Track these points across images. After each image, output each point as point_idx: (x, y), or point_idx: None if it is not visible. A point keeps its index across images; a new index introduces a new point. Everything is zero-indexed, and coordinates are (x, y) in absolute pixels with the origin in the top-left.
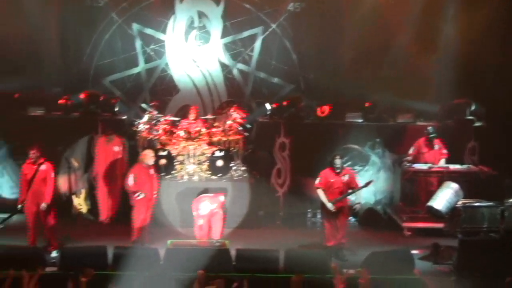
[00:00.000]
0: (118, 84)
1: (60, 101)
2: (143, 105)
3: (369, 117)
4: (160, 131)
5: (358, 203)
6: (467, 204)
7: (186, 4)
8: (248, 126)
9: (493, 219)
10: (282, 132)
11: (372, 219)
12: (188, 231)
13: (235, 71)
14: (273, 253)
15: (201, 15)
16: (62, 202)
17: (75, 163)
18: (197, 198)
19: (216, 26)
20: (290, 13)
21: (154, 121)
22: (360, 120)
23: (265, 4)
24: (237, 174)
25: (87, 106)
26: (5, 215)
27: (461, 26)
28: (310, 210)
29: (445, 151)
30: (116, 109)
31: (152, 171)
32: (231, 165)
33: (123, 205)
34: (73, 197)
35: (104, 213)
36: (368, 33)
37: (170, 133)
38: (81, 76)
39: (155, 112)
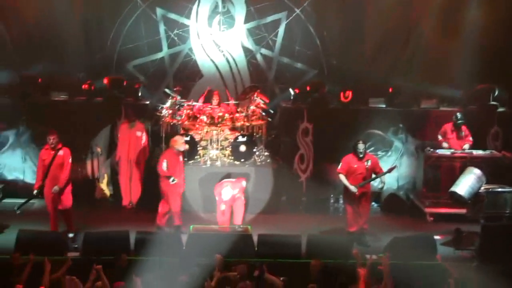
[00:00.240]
0: (141, 69)
1: (83, 86)
2: (167, 90)
3: (392, 102)
4: (183, 116)
5: (383, 183)
6: (490, 189)
7: None
8: (271, 111)
9: None
10: (305, 118)
11: (394, 205)
12: (211, 216)
13: (258, 56)
14: (295, 239)
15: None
16: (84, 187)
17: (97, 149)
18: (219, 183)
19: (240, 11)
20: None
21: (177, 106)
22: (383, 106)
23: None
24: (260, 160)
25: (110, 91)
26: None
27: (484, 10)
28: (332, 195)
29: (470, 138)
30: (140, 94)
31: (181, 157)
32: (254, 150)
33: (145, 190)
34: (96, 182)
35: (127, 198)
36: (391, 17)
37: (193, 118)
38: (104, 61)
39: (178, 97)
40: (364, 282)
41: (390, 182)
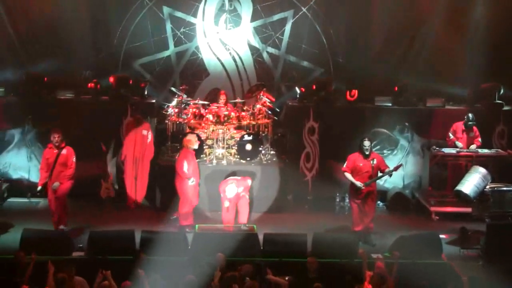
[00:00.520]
0: (148, 67)
1: (89, 85)
2: (173, 89)
3: (398, 101)
4: (189, 115)
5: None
6: (495, 188)
7: None
8: (277, 110)
9: None
10: (311, 116)
11: (400, 204)
12: (216, 214)
13: (265, 55)
14: (301, 238)
15: None
16: (90, 187)
17: (103, 147)
18: (224, 181)
19: (246, 10)
20: None
21: (183, 105)
22: (389, 104)
23: None
24: (265, 158)
25: (116, 89)
26: (33, 200)
27: (490, 8)
28: (338, 194)
29: (479, 139)
30: (146, 92)
31: (194, 156)
32: (259, 149)
33: (151, 189)
34: (101, 181)
35: (132, 197)
36: (397, 16)
37: (199, 117)
38: (111, 59)
39: (184, 96)
40: (370, 282)
41: (395, 181)
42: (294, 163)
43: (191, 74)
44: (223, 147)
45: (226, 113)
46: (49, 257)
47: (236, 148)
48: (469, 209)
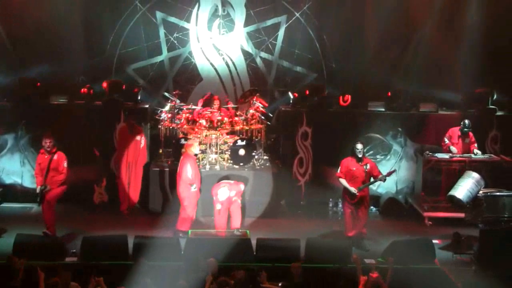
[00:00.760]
0: (141, 73)
1: (82, 90)
2: (166, 94)
3: (391, 106)
4: (182, 120)
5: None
6: (488, 193)
7: None
8: (270, 115)
9: None
10: (304, 121)
11: (393, 209)
12: (209, 220)
13: (258, 60)
14: (294, 243)
15: (225, 3)
16: (82, 192)
17: (96, 152)
18: (217, 184)
19: (239, 15)
20: (314, 2)
21: (176, 110)
22: (383, 109)
23: None
24: (259, 163)
25: (109, 95)
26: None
27: (484, 14)
28: (331, 199)
29: (476, 145)
30: (139, 98)
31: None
32: (253, 154)
33: (144, 195)
34: (94, 186)
35: (125, 202)
36: (391, 22)
37: (192, 122)
38: (104, 65)
39: (177, 101)
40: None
41: (389, 186)
42: (287, 168)
43: (184, 79)
44: (216, 152)
45: (219, 118)
46: (42, 262)
47: (229, 153)
48: (462, 214)
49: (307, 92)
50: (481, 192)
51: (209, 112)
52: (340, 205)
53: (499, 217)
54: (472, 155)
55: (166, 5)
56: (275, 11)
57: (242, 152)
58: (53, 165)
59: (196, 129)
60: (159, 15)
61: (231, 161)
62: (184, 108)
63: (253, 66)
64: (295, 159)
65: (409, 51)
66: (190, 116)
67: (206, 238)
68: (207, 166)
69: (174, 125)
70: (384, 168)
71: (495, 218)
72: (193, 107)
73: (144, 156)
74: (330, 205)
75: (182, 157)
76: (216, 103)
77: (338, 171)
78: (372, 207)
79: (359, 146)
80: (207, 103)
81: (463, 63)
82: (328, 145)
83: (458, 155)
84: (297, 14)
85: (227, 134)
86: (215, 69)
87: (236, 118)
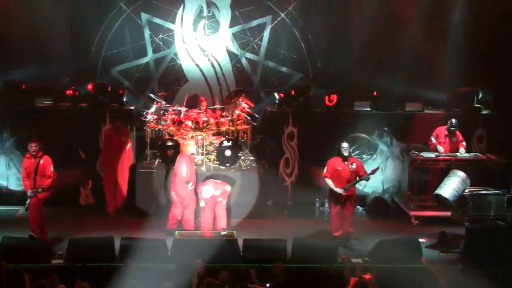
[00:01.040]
0: (126, 74)
1: (67, 92)
2: (151, 95)
3: (377, 105)
4: (168, 121)
5: (377, 168)
6: (474, 192)
7: None
8: (256, 115)
9: (500, 207)
10: (290, 122)
11: (379, 208)
12: (196, 221)
13: (243, 60)
14: (281, 243)
15: (210, 4)
16: (68, 194)
17: (81, 154)
18: (202, 182)
19: (225, 15)
20: (299, 2)
21: (162, 112)
22: (368, 109)
23: None
24: (245, 164)
25: (95, 96)
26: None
27: (468, 14)
28: (318, 199)
29: (464, 142)
30: (124, 99)
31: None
32: (239, 155)
33: (130, 196)
34: (80, 188)
35: (111, 204)
36: (376, 21)
37: (178, 123)
38: (89, 66)
39: (162, 102)
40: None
41: (375, 185)
42: (274, 169)
43: (169, 80)
44: (202, 153)
45: (205, 119)
46: (27, 264)
47: (215, 154)
48: (448, 213)
49: (293, 92)
50: (467, 190)
51: (195, 113)
52: (327, 205)
53: (485, 215)
54: (458, 154)
55: (151, 6)
56: (260, 12)
57: (228, 153)
58: (40, 169)
59: (182, 130)
60: (144, 16)
61: (217, 162)
62: (170, 110)
63: (238, 66)
64: (281, 159)
65: (394, 51)
66: (175, 117)
67: (193, 239)
68: (194, 167)
69: (160, 126)
70: (370, 167)
71: (481, 217)
72: (179, 108)
73: (130, 158)
74: (317, 205)
75: (178, 156)
76: (203, 105)
77: (324, 171)
78: (358, 206)
79: (345, 145)
80: (193, 105)
81: (448, 62)
82: (314, 145)
83: (444, 154)
84: (283, 15)
85: (213, 135)
86: (201, 70)
87: (222, 119)
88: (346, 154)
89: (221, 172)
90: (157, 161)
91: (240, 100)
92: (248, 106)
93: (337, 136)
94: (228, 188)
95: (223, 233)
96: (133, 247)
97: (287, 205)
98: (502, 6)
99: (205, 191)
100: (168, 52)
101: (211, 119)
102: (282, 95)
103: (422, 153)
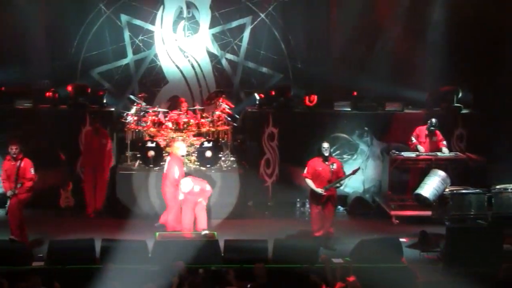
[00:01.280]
0: (106, 76)
1: (47, 94)
2: (131, 97)
3: (357, 105)
4: (148, 123)
5: (358, 168)
6: (455, 191)
7: None
8: (236, 116)
9: (480, 206)
10: (270, 122)
11: (360, 208)
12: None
13: (223, 61)
14: (262, 244)
15: (189, 5)
16: (49, 196)
17: (62, 156)
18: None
19: (204, 16)
20: (279, 3)
21: (142, 113)
22: (348, 109)
23: None
24: (225, 165)
25: (75, 98)
26: None
27: (448, 14)
28: (298, 200)
29: (444, 142)
30: (104, 101)
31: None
32: (219, 155)
33: (110, 198)
34: (60, 190)
35: (91, 206)
36: (356, 22)
37: (158, 124)
38: (69, 68)
39: (143, 104)
40: None
41: (356, 185)
42: (254, 169)
43: (149, 82)
44: (182, 155)
45: (186, 120)
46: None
47: (195, 155)
48: (428, 213)
49: (273, 93)
50: (447, 190)
51: (176, 114)
52: (307, 205)
53: (465, 214)
54: (439, 153)
55: (131, 7)
56: (240, 13)
57: (208, 153)
58: (21, 172)
59: (163, 132)
60: (123, 18)
61: (198, 163)
62: (150, 111)
63: (218, 67)
64: (262, 160)
65: (374, 51)
66: (156, 118)
67: (174, 241)
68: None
69: (140, 127)
70: (351, 167)
71: (462, 216)
72: (159, 109)
73: (110, 159)
74: (298, 205)
75: (169, 159)
76: (184, 106)
77: (305, 171)
78: (339, 206)
79: (325, 145)
80: (173, 106)
81: (428, 62)
82: (295, 146)
83: (424, 154)
84: (262, 15)
85: (194, 136)
86: (181, 71)
87: (203, 120)
88: (326, 154)
89: (202, 173)
90: (137, 162)
91: (221, 101)
92: (228, 107)
93: (317, 136)
94: (207, 187)
95: (204, 234)
96: (113, 249)
97: (268, 205)
98: (481, 5)
99: (184, 185)
100: (148, 54)
101: (192, 120)
102: (262, 95)
103: (402, 153)
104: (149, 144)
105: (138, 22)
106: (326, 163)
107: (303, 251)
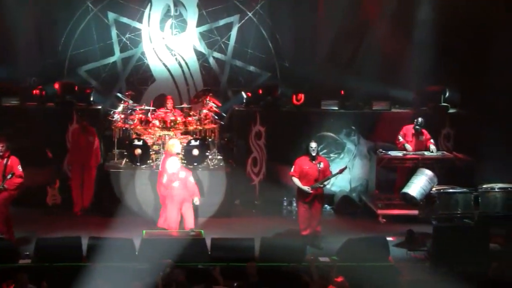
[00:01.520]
0: (93, 74)
1: (34, 91)
2: (118, 95)
3: (344, 104)
4: (135, 121)
5: (345, 167)
6: (441, 190)
7: None
8: (224, 115)
9: (467, 205)
10: (257, 121)
11: (347, 207)
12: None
13: (211, 60)
14: (249, 242)
15: (177, 3)
16: (36, 194)
17: (49, 154)
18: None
19: (192, 15)
20: (266, 1)
21: (129, 111)
22: (336, 108)
23: None
24: (212, 163)
25: (61, 96)
26: None
27: (435, 13)
28: (285, 198)
29: (432, 140)
30: (91, 99)
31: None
32: (206, 154)
33: (97, 196)
34: (47, 188)
35: (78, 203)
36: (344, 20)
37: (145, 122)
38: (56, 66)
39: (130, 102)
40: None
41: (342, 184)
42: (241, 168)
43: (137, 80)
44: None
45: (173, 118)
46: None
47: (182, 153)
48: (415, 212)
49: (260, 92)
50: (434, 189)
51: (163, 113)
52: (295, 204)
53: (452, 213)
54: (426, 153)
55: (118, 5)
56: (227, 11)
57: (195, 152)
58: (8, 170)
59: (150, 130)
60: (111, 15)
61: (185, 161)
62: (137, 109)
63: (206, 66)
64: (249, 158)
65: (361, 50)
66: (143, 116)
67: (161, 239)
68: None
69: (127, 125)
70: (338, 166)
71: (448, 215)
72: (146, 107)
73: (97, 157)
74: (285, 204)
75: (164, 156)
76: (170, 103)
77: (292, 170)
78: (326, 205)
79: (313, 145)
80: (160, 104)
81: (415, 62)
82: (282, 144)
83: (411, 153)
84: (250, 14)
85: (181, 134)
86: (168, 69)
87: (190, 118)
88: (314, 154)
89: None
90: (124, 160)
91: (208, 99)
92: (215, 105)
93: (304, 135)
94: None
95: (191, 233)
96: (100, 247)
97: (255, 204)
98: (469, 5)
99: (170, 166)
100: (135, 52)
101: (179, 118)
102: (249, 94)
103: (389, 152)
104: (136, 142)
105: (125, 20)
106: (314, 162)
107: (290, 250)
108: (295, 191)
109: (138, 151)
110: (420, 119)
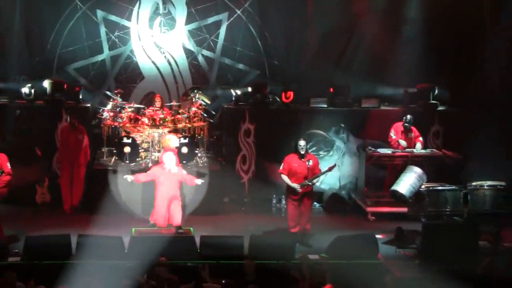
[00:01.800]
0: (82, 72)
1: (23, 90)
2: (107, 93)
3: (333, 102)
4: (124, 119)
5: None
6: (431, 188)
7: None
8: (213, 112)
9: (456, 202)
10: (246, 118)
11: (336, 205)
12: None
13: (200, 58)
14: (238, 240)
15: (165, 1)
16: (25, 192)
17: (38, 152)
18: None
19: (181, 13)
20: None
21: (118, 109)
22: (325, 105)
23: None
24: (202, 161)
25: (51, 94)
26: None
27: (425, 10)
28: (275, 196)
29: (420, 138)
30: (80, 97)
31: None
32: (195, 152)
33: (86, 194)
34: (37, 186)
35: (67, 201)
36: (333, 18)
37: (134, 120)
38: (45, 64)
39: (119, 100)
40: None
41: (332, 182)
42: (230, 166)
43: (125, 78)
44: (158, 151)
45: (162, 116)
46: None
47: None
48: (405, 209)
49: (250, 89)
50: (423, 186)
51: (152, 110)
52: (284, 202)
53: (441, 211)
54: (415, 150)
55: (107, 3)
56: (216, 9)
57: (184, 149)
58: None
59: (139, 128)
60: (99, 13)
61: None
62: (126, 107)
63: (195, 64)
64: (238, 156)
65: (350, 47)
66: (132, 114)
67: (150, 236)
68: (150, 165)
69: (116, 123)
70: (327, 163)
71: (437, 212)
72: (135, 105)
73: (86, 155)
74: (274, 201)
75: (162, 151)
76: (158, 101)
77: (281, 167)
78: (315, 203)
79: (302, 143)
80: (149, 102)
81: (404, 59)
82: (271, 142)
83: (400, 150)
84: (239, 12)
85: (170, 132)
86: (157, 67)
87: (179, 116)
88: (302, 152)
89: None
90: (113, 158)
91: (197, 96)
92: (204, 103)
93: (293, 132)
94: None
95: (180, 230)
96: (89, 245)
97: (244, 201)
98: (458, 2)
99: (167, 159)
100: (124, 49)
101: (168, 116)
102: (238, 92)
103: (378, 150)
104: (125, 140)
105: (114, 18)
106: (303, 159)
107: (279, 248)
108: (284, 189)
109: (127, 149)
110: (409, 117)
